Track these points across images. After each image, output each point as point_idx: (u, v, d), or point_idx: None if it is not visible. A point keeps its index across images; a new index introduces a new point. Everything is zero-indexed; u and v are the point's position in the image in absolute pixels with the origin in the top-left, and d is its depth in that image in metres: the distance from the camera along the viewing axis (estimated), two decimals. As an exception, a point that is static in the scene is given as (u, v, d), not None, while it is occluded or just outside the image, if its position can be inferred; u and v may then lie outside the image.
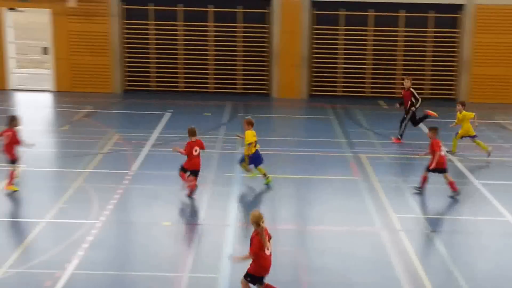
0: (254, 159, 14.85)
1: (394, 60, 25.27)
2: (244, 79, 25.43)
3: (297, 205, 14.48)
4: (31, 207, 13.73)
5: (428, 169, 14.49)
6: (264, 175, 14.94)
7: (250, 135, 14.78)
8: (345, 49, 25.14)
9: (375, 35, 25.08)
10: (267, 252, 9.45)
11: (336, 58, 25.27)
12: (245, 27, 25.06)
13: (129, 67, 25.46)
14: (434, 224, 13.13)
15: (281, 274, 10.66)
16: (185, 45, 25.17)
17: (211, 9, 24.92)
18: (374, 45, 25.14)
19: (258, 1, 24.92)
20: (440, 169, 14.40)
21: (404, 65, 25.24)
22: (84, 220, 12.59)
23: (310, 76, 25.43)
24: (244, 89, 25.36)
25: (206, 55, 25.19)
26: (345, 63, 25.27)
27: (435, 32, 25.06)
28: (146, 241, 12.02)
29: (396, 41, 25.12)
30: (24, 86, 25.84)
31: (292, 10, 24.82)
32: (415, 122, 19.00)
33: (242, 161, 15.08)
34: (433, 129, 14.77)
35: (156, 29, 25.13)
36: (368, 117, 22.40)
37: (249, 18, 25.05)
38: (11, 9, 25.15)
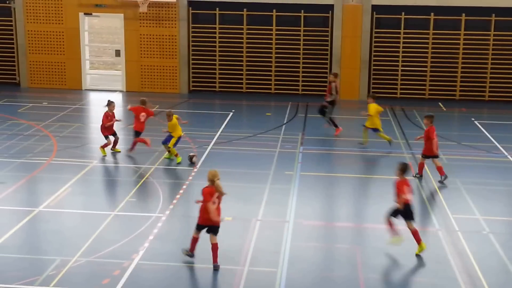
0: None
1: (454, 62, 25.24)
2: (304, 81, 25.87)
3: (355, 203, 14.74)
4: (102, 200, 14.48)
5: (425, 156, 15.43)
6: (173, 154, 16.61)
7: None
8: (405, 52, 25.30)
9: (435, 38, 25.13)
10: (213, 207, 10.59)
11: (396, 61, 25.43)
12: (306, 31, 25.52)
13: (195, 68, 26.29)
14: (491, 225, 13.07)
15: (338, 270, 11.01)
16: (249, 48, 25.82)
17: (274, 13, 25.47)
18: (434, 47, 25.18)
19: (320, 6, 25.33)
20: (434, 155, 15.47)
21: (464, 67, 25.19)
22: (150, 214, 13.14)
23: (369, 79, 25.66)
24: (305, 90, 25.81)
25: (269, 57, 25.75)
26: (404, 66, 25.42)
27: (495, 35, 24.91)
28: (207, 235, 12.40)
29: (456, 44, 25.10)
30: (97, 86, 26.97)
31: (354, 15, 25.14)
32: (322, 111, 20.19)
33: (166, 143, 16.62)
34: (430, 117, 15.73)
35: (221, 33, 25.86)
36: (426, 119, 22.48)
37: (311, 22, 25.50)
38: (87, 14, 26.31)
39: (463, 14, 24.87)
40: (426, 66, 25.38)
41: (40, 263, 11.00)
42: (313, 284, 10.56)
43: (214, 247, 10.88)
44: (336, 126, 19.97)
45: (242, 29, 25.72)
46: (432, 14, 24.97)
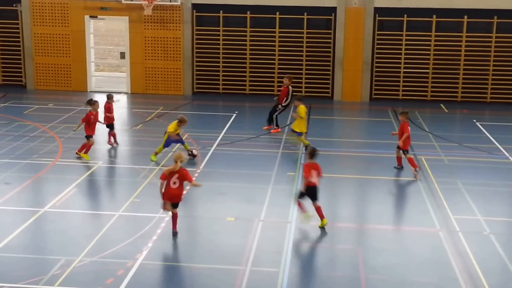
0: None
1: (456, 64, 25.34)
2: (307, 83, 26.01)
3: (357, 204, 14.83)
4: (106, 200, 14.64)
5: (399, 148, 16.23)
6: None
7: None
8: (407, 54, 25.42)
9: (437, 40, 25.24)
10: (173, 186, 12.03)
11: (398, 63, 25.55)
12: (309, 33, 25.66)
13: (199, 70, 26.45)
14: (492, 226, 13.11)
15: (339, 271, 11.10)
16: (252, 50, 25.97)
17: (277, 16, 25.61)
18: (436, 49, 25.29)
19: (323, 8, 25.45)
20: (406, 149, 16.21)
21: (466, 69, 25.30)
22: (154, 214, 13.24)
23: (372, 80, 25.78)
24: (307, 92, 25.95)
25: (272, 59, 25.89)
26: (407, 68, 25.53)
27: (497, 37, 25.01)
28: (210, 235, 12.47)
29: (458, 45, 25.21)
30: (102, 88, 27.13)
31: (356, 17, 25.27)
32: (274, 111, 20.53)
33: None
34: (405, 113, 16.47)
35: (225, 35, 26.02)
36: (428, 120, 22.65)
37: (314, 25, 25.64)
38: (93, 17, 26.50)
39: (465, 16, 24.96)
40: (428, 68, 25.49)
41: (45, 262, 11.12)
42: (314, 284, 10.65)
43: (174, 216, 12.32)
44: (277, 126, 20.46)
45: (245, 31, 25.87)
46: (434, 16, 25.08)
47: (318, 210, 12.78)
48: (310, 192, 12.69)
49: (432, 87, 25.63)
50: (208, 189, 14.36)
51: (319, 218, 12.82)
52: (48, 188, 15.15)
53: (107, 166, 16.83)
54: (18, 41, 26.84)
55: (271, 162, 17.15)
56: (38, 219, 13.07)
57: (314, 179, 12.68)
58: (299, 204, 12.88)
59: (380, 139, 19.53)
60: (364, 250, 11.91)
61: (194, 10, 25.95)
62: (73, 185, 15.07)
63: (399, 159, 16.63)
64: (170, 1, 25.58)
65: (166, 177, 12.06)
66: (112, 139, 18.35)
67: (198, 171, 16.25)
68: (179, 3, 25.63)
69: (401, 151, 16.38)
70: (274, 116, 20.58)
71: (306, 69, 25.93)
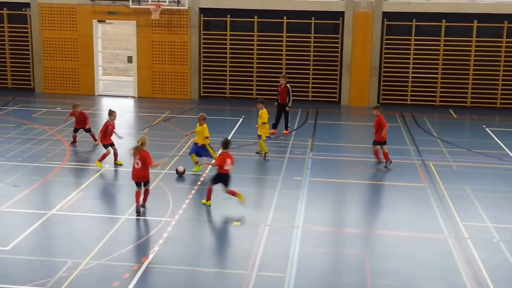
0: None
1: (466, 69, 25.26)
2: (315, 87, 25.99)
3: (364, 210, 14.74)
4: (113, 204, 14.66)
5: (377, 142, 17.06)
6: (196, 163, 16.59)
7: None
8: (415, 58, 25.38)
9: (446, 45, 25.18)
10: (136, 166, 13.43)
11: (406, 68, 25.49)
12: (317, 38, 25.65)
13: (206, 75, 26.47)
14: (502, 233, 13.01)
15: (346, 276, 11.05)
16: (259, 54, 26.00)
17: (285, 20, 25.60)
18: (445, 54, 25.23)
19: (331, 12, 25.45)
20: (383, 141, 17.05)
21: (475, 74, 25.22)
22: (160, 218, 13.29)
23: (380, 85, 25.72)
24: (315, 96, 25.92)
25: (279, 64, 25.89)
26: (415, 73, 25.47)
27: (507, 42, 24.95)
28: (216, 239, 12.53)
29: (468, 50, 25.13)
30: (109, 92, 27.25)
31: (364, 21, 25.25)
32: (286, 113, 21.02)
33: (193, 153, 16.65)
34: (378, 107, 17.39)
35: (232, 39, 26.06)
36: (437, 125, 22.61)
37: (321, 29, 25.64)
38: (101, 21, 26.59)
39: (475, 21, 24.90)
40: (437, 73, 25.43)
41: (52, 265, 11.14)
42: (321, 289, 10.62)
43: (145, 192, 13.73)
44: (276, 127, 20.87)
45: (252, 35, 25.89)
46: (443, 21, 25.02)
47: (230, 192, 14.02)
48: (223, 178, 13.94)
49: (441, 92, 25.56)
50: (214, 194, 14.31)
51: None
52: (56, 191, 15.17)
53: (114, 169, 16.82)
54: (27, 45, 26.97)
55: (278, 166, 17.12)
56: (46, 222, 13.09)
57: (227, 167, 13.89)
58: (210, 190, 14.10)
59: (388, 145, 19.36)
60: (371, 256, 11.85)
61: (202, 15, 25.99)
62: (80, 188, 15.10)
63: (385, 154, 17.19)
64: (178, 6, 25.64)
65: (131, 156, 13.64)
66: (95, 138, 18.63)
67: (204, 175, 16.23)
68: (186, 7, 25.68)
69: (377, 146, 17.17)
70: (287, 117, 20.89)
71: (313, 74, 25.91)
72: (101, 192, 15.23)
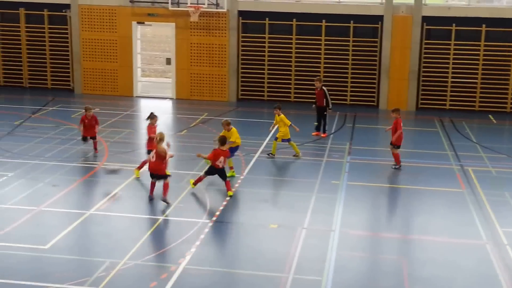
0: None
1: (506, 74, 24.86)
2: (353, 91, 25.84)
3: (402, 214, 14.62)
4: (150, 205, 14.63)
5: (393, 145, 17.17)
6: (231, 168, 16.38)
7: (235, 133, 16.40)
8: (455, 63, 25.02)
9: (486, 50, 24.79)
10: (151, 159, 14.24)
11: (446, 72, 25.17)
12: (355, 41, 25.51)
13: (244, 77, 26.54)
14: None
15: (383, 281, 10.97)
16: (297, 57, 25.93)
17: (323, 23, 25.53)
18: (485, 59, 24.84)
19: (370, 16, 25.30)
20: (399, 145, 17.17)
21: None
22: (197, 219, 13.36)
23: (419, 90, 25.46)
24: (353, 100, 25.77)
25: (317, 67, 25.78)
26: (454, 77, 25.13)
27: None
28: (253, 242, 12.46)
29: (508, 55, 24.73)
30: (148, 93, 27.48)
31: (403, 25, 25.02)
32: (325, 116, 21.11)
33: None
34: (397, 110, 17.55)
35: (271, 42, 26.05)
36: (476, 130, 22.28)
37: (360, 33, 25.47)
38: (140, 23, 26.86)
39: (516, 26, 24.52)
40: (476, 78, 25.05)
41: (90, 264, 11.27)
42: (358, 294, 10.58)
43: (164, 185, 14.29)
44: (318, 129, 21.05)
45: (291, 39, 25.86)
46: (483, 25, 24.65)
47: (227, 185, 14.94)
48: (218, 173, 14.91)
49: (480, 97, 25.17)
50: (251, 196, 14.38)
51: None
52: (94, 191, 15.40)
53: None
54: (67, 46, 27.38)
55: (315, 169, 17.08)
56: (84, 221, 13.26)
57: (220, 163, 14.78)
58: (200, 178, 15.13)
59: (426, 149, 19.28)
60: (409, 261, 11.78)
61: (240, 17, 26.07)
62: (118, 188, 15.27)
63: (396, 156, 17.30)
64: (217, 8, 25.76)
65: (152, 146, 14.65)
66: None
67: (242, 177, 16.26)
68: (225, 10, 25.79)
69: (394, 147, 17.22)
70: (324, 121, 20.95)
71: (352, 78, 25.77)
72: (138, 192, 15.31)
